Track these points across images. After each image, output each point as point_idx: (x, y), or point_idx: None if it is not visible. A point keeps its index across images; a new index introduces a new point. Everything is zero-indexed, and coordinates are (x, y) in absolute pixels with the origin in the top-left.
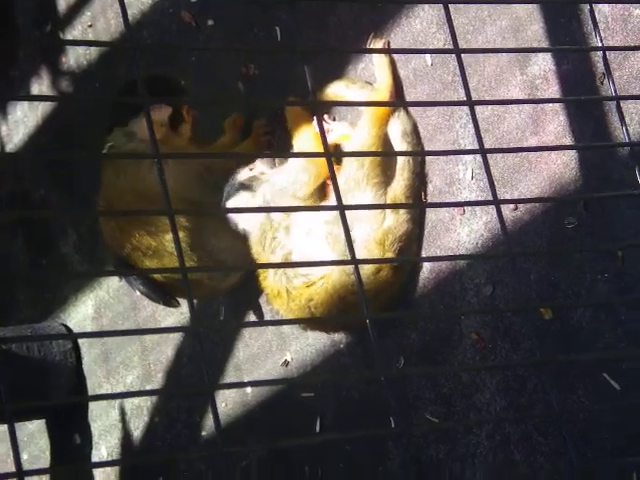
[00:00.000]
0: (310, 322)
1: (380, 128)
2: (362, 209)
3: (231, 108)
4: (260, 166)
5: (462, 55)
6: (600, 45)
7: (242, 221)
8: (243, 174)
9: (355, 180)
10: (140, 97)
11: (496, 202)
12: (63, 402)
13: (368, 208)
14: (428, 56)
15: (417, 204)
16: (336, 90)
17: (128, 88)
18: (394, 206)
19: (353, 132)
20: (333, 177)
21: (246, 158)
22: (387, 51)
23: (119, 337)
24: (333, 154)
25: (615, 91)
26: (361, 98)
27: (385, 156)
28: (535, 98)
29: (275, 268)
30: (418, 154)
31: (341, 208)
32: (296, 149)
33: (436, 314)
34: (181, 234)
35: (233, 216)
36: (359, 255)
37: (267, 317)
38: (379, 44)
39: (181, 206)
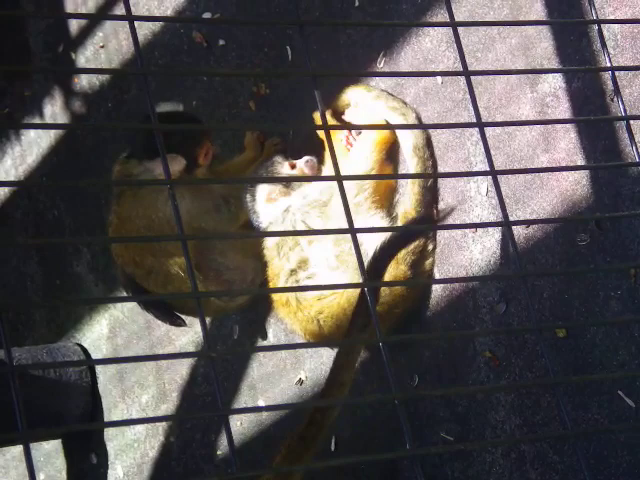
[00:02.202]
0: (320, 341)
1: (380, 153)
2: (373, 232)
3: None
4: (303, 167)
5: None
6: (609, 65)
7: (265, 221)
8: (284, 169)
9: (355, 205)
10: (152, 124)
11: (507, 224)
12: (76, 429)
13: (379, 231)
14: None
15: (428, 225)
16: (352, 95)
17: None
18: (405, 228)
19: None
20: (345, 202)
21: (264, 182)
22: (397, 74)
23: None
24: (344, 177)
25: (625, 110)
26: (375, 108)
27: (396, 179)
28: (545, 119)
29: (283, 292)
30: (429, 176)
31: (352, 231)
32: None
33: (449, 335)
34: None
35: (260, 212)
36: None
37: (281, 335)
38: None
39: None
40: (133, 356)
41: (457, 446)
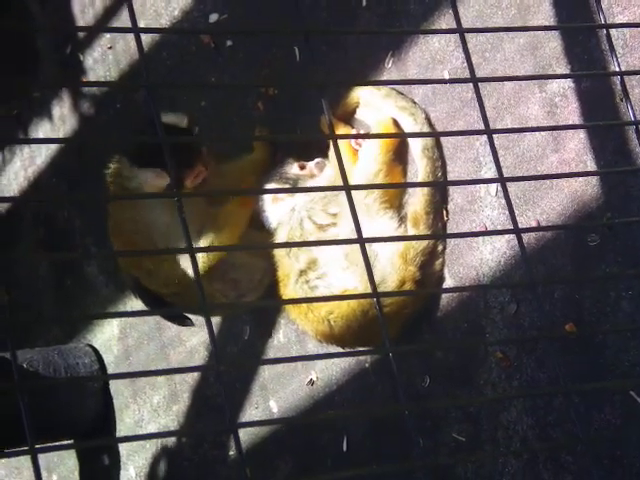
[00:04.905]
0: (329, 342)
1: (387, 154)
2: (382, 241)
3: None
4: (313, 168)
5: (481, 73)
6: (617, 70)
7: (273, 221)
8: (293, 169)
9: (365, 206)
10: (157, 136)
11: (517, 231)
12: (85, 446)
13: (388, 240)
14: (447, 74)
15: (438, 235)
16: (361, 94)
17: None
18: (415, 238)
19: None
20: (352, 209)
21: (271, 193)
22: (406, 82)
23: (145, 357)
24: (352, 186)
25: (634, 115)
26: (384, 107)
27: (405, 187)
28: (552, 125)
29: (293, 304)
30: (437, 184)
31: (361, 241)
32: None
33: (460, 343)
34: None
35: (267, 212)
36: (384, 269)
37: (292, 336)
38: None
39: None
40: (147, 370)
41: (466, 458)
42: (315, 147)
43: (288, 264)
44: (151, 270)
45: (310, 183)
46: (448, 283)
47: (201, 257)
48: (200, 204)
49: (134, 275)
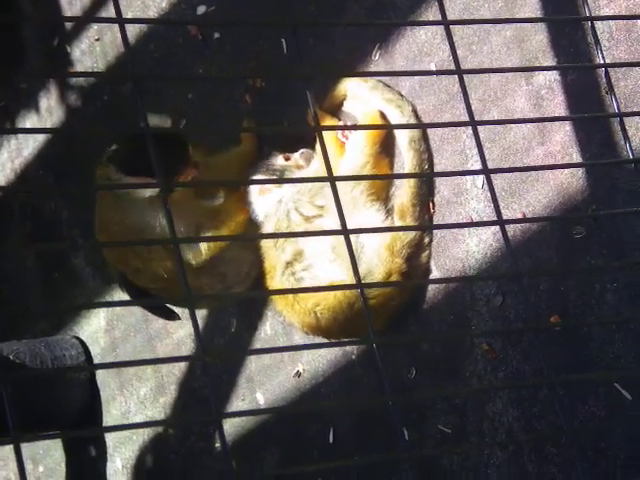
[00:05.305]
0: (316, 333)
1: (374, 147)
2: (366, 232)
3: (238, 119)
4: (297, 159)
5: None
6: (602, 62)
7: (260, 213)
8: (278, 160)
9: (352, 199)
10: (141, 128)
11: (501, 222)
12: (68, 435)
13: (373, 231)
14: (433, 66)
15: (422, 226)
16: (348, 87)
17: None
18: (399, 229)
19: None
20: (337, 201)
21: (258, 184)
22: (391, 74)
23: (132, 349)
24: (337, 178)
25: (618, 107)
26: (371, 99)
27: (390, 179)
28: (536, 117)
29: (280, 294)
30: (422, 176)
31: (345, 232)
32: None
33: (445, 335)
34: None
35: (254, 204)
36: (370, 261)
37: (279, 328)
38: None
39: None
40: (134, 360)
41: (452, 449)
42: (302, 139)
43: (274, 256)
44: (139, 268)
45: (297, 175)
46: (434, 275)
47: (204, 251)
48: (192, 199)
49: (121, 270)
